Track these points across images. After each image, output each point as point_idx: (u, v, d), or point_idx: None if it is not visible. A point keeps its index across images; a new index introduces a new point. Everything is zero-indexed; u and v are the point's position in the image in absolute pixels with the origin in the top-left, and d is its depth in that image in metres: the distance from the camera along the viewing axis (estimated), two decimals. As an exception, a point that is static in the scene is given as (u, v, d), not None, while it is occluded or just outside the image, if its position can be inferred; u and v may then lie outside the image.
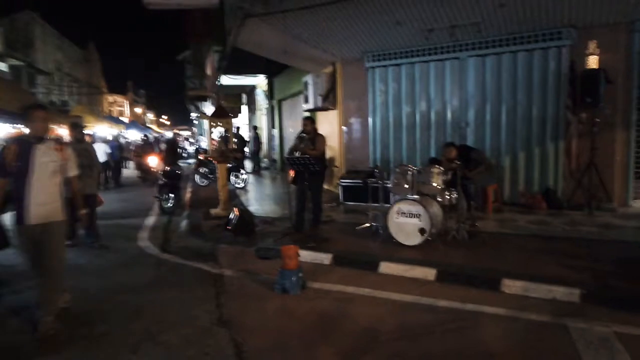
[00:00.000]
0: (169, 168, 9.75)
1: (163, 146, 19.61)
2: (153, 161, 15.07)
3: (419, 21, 7.24)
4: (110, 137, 19.51)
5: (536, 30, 7.29)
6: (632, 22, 6.85)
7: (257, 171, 16.05)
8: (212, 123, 8.59)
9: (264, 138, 19.64)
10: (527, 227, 6.36)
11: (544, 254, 5.12)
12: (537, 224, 6.49)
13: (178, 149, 19.54)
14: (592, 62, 7.02)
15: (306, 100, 10.02)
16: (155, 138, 28.74)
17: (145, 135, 20.32)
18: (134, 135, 25.56)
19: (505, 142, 7.90)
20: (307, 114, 10.09)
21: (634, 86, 7.05)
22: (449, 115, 8.34)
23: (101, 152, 14.04)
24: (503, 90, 7.81)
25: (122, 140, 17.82)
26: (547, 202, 7.41)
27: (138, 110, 58.94)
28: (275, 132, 16.83)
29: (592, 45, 7.02)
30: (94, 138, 16.93)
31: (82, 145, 6.47)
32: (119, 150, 15.47)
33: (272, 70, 14.94)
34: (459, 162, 5.93)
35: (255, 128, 18.21)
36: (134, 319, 3.96)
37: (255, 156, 16.70)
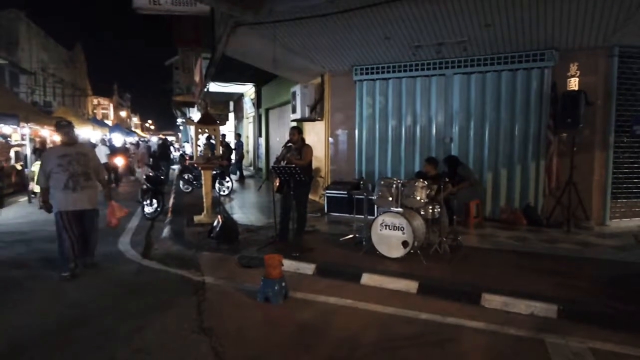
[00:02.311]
0: (152, 173, 9.66)
1: (152, 149, 19.50)
2: (119, 162, 15.95)
3: (407, 37, 7.38)
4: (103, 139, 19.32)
5: (520, 51, 7.49)
6: (611, 47, 7.10)
7: (239, 179, 15.94)
8: (199, 130, 8.56)
9: (250, 146, 19.61)
10: (508, 243, 6.47)
11: (523, 270, 5.21)
12: (517, 240, 6.61)
13: (169, 152, 19.43)
14: (573, 84, 7.28)
15: (294, 110, 10.07)
16: (138, 142, 28.42)
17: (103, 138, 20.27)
18: (117, 139, 25.24)
19: (488, 159, 8.06)
20: (295, 123, 10.15)
21: (613, 109, 7.29)
22: (433, 130, 8.48)
23: (102, 154, 14.04)
24: (487, 108, 7.99)
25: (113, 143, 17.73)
26: (527, 218, 7.56)
27: (123, 113, 58.38)
28: (262, 140, 16.83)
29: (573, 68, 7.28)
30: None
31: (74, 149, 5.30)
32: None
33: (261, 79, 14.97)
34: (448, 180, 6.03)
35: (239, 136, 18.12)
36: (112, 324, 3.91)
37: (238, 164, 16.61)
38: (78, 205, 5.20)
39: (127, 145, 20.20)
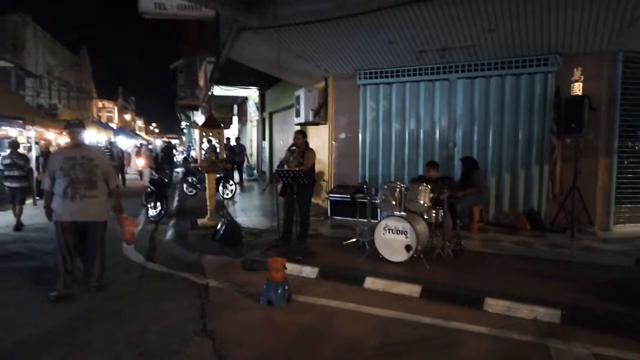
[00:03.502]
0: (156, 176, 9.72)
1: (157, 152, 19.66)
2: (140, 163, 16.50)
3: (411, 42, 7.41)
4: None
5: (524, 56, 7.50)
6: (615, 52, 7.10)
7: (239, 182, 15.75)
8: (203, 133, 8.61)
9: (254, 150, 19.64)
10: (511, 248, 6.46)
11: (526, 275, 5.20)
12: (520, 245, 6.59)
13: (173, 155, 19.55)
14: (577, 89, 7.26)
15: (298, 114, 10.10)
16: (142, 145, 28.50)
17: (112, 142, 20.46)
18: (122, 142, 25.43)
19: (492, 163, 8.05)
20: (298, 127, 10.18)
21: (617, 114, 7.27)
22: (437, 134, 8.48)
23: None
24: (491, 113, 7.99)
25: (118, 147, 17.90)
26: (530, 223, 7.54)
27: (127, 116, 58.61)
28: (266, 144, 16.85)
29: (577, 73, 7.28)
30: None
31: (79, 153, 4.71)
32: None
33: (265, 82, 15.04)
34: (448, 183, 6.06)
35: (238, 140, 18.03)
36: (117, 327, 3.93)
37: (239, 168, 16.50)
38: (77, 217, 4.61)
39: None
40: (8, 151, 8.62)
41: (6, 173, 8.30)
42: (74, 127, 4.81)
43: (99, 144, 16.20)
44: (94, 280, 4.82)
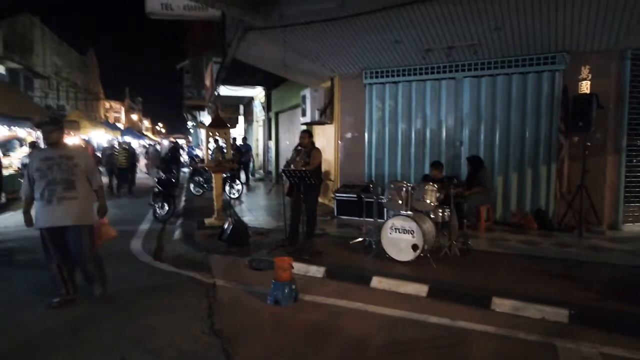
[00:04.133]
0: (164, 176, 9.77)
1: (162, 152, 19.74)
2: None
3: (417, 41, 7.40)
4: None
5: (531, 54, 7.46)
6: (624, 50, 7.04)
7: (245, 183, 15.64)
8: (210, 133, 8.64)
9: (260, 149, 19.68)
10: (518, 247, 6.43)
11: (533, 274, 5.18)
12: (527, 244, 6.56)
13: (180, 156, 19.56)
14: (585, 87, 7.21)
15: (304, 114, 10.11)
16: (149, 145, 28.68)
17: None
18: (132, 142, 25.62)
19: (499, 162, 8.02)
20: (304, 127, 10.19)
21: (625, 112, 7.21)
22: (444, 133, 8.46)
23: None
24: (497, 112, 7.95)
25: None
26: (537, 222, 7.50)
27: (134, 117, 59.01)
28: (272, 144, 16.88)
29: (584, 71, 7.23)
30: (89, 143, 17.01)
31: (57, 152, 4.31)
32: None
33: (271, 82, 15.05)
34: (456, 181, 6.05)
35: (244, 139, 18.02)
36: (123, 325, 3.96)
37: (246, 167, 16.47)
38: (55, 222, 4.22)
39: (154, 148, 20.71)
40: (28, 151, 9.34)
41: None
42: (45, 125, 4.47)
43: (114, 144, 16.12)
44: (95, 287, 4.52)
